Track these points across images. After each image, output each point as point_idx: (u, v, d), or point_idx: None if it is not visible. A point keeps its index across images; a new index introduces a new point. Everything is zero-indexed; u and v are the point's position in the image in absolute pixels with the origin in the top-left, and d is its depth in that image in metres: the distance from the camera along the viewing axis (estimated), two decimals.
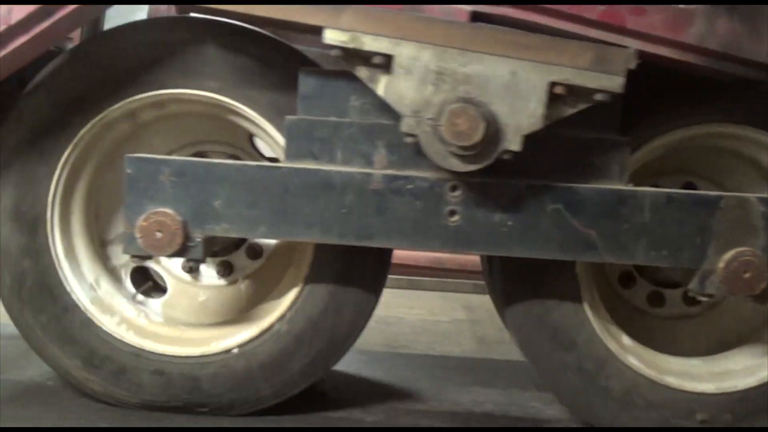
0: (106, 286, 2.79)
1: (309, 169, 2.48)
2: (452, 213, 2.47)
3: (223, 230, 2.51)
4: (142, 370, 2.68)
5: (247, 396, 2.71)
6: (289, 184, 2.47)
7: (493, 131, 2.29)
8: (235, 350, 2.69)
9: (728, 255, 2.44)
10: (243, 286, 3.00)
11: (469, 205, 2.46)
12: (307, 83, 2.53)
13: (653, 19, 2.28)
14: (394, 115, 2.44)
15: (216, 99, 2.64)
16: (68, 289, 2.69)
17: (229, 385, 2.69)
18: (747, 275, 2.43)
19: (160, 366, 2.68)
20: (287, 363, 2.69)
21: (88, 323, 2.69)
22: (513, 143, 2.32)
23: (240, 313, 2.93)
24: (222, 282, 2.99)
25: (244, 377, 2.68)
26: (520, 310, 2.71)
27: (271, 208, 2.46)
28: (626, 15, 2.28)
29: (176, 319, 2.90)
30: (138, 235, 2.45)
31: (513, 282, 2.73)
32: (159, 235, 2.43)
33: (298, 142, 2.52)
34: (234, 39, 2.62)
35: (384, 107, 2.46)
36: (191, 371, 2.68)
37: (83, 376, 2.70)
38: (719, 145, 2.74)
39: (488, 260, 3.08)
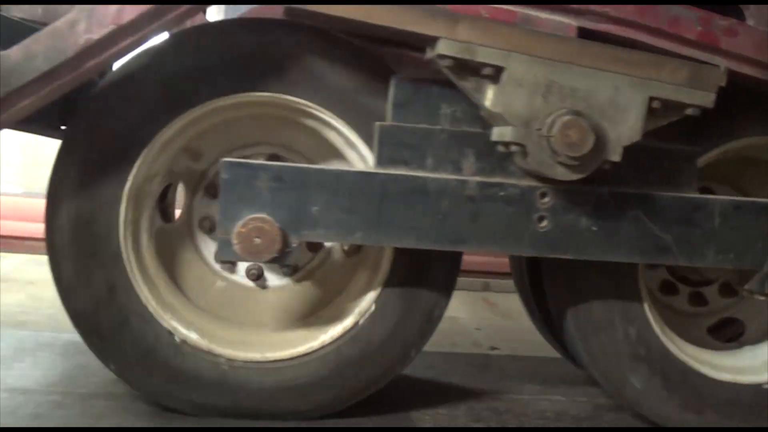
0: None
1: (406, 176, 2.51)
2: (541, 218, 2.56)
3: (320, 236, 2.51)
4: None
5: (326, 397, 2.71)
6: (386, 190, 2.49)
7: (599, 142, 2.39)
8: (318, 352, 2.69)
9: None
10: (305, 287, 2.98)
11: (557, 211, 2.56)
12: (399, 91, 2.55)
13: (744, 41, 2.44)
14: (483, 124, 2.51)
15: (293, 101, 2.60)
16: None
17: (311, 387, 2.68)
18: None
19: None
20: (365, 364, 2.71)
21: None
22: (614, 154, 2.43)
23: (302, 316, 2.91)
24: (285, 283, 2.96)
25: (326, 378, 2.68)
26: (583, 316, 2.82)
27: (367, 213, 2.47)
28: (720, 36, 2.43)
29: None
30: (235, 241, 2.40)
31: (572, 289, 2.84)
32: (258, 241, 2.39)
33: (390, 148, 2.54)
34: (323, 44, 2.59)
35: (473, 116, 2.53)
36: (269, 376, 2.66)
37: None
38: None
39: (532, 267, 3.20)
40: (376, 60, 2.66)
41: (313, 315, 2.90)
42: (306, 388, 2.67)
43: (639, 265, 2.78)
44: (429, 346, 2.83)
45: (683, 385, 2.85)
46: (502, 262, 5.90)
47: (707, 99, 2.44)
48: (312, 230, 2.48)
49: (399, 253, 2.68)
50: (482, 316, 5.20)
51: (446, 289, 2.79)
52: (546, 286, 3.05)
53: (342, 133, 2.65)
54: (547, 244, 2.58)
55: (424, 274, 2.73)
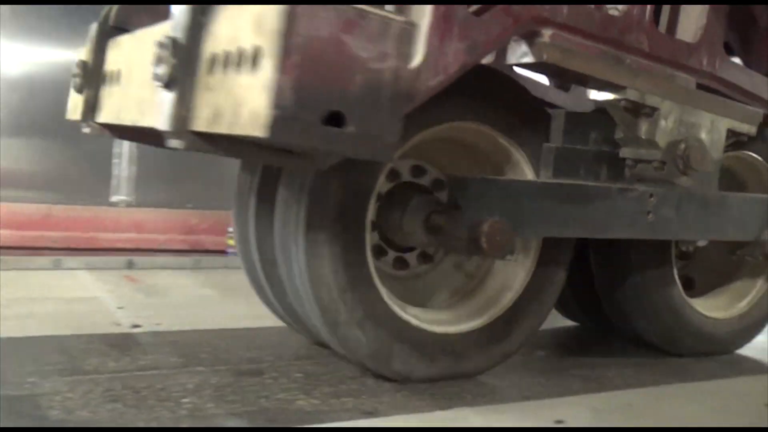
0: None
1: (575, 184, 3.40)
2: (648, 213, 3.61)
3: (531, 233, 3.34)
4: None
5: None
6: (565, 194, 3.34)
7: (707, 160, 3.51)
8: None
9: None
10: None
11: (658, 207, 3.62)
12: (567, 121, 3.41)
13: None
14: (615, 145, 3.49)
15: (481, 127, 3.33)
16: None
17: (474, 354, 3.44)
18: None
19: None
20: (510, 337, 3.53)
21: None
22: (711, 167, 3.57)
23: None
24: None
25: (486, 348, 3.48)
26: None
27: (553, 212, 3.31)
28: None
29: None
30: (483, 240, 3.07)
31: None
32: (498, 239, 3.10)
33: (560, 163, 3.40)
34: (503, 82, 3.36)
35: (607, 139, 3.49)
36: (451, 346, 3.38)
37: None
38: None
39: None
40: (535, 98, 3.50)
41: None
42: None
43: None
44: (66, 330, 3.39)
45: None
46: (147, 239, 6.41)
47: (752, 130, 3.70)
48: (526, 228, 3.26)
49: (546, 242, 3.54)
50: (124, 294, 4.96)
51: (566, 267, 3.70)
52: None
53: (510, 153, 3.42)
54: (652, 231, 3.63)
55: (558, 258, 3.63)
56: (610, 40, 3.16)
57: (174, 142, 2.26)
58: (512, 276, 3.58)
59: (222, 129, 2.06)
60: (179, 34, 2.21)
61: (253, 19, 2.00)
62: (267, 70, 1.91)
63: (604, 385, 3.50)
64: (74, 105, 3.44)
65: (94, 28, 3.36)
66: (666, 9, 3.58)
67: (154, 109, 2.37)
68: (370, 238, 3.16)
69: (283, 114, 1.90)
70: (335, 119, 2.01)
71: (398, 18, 2.15)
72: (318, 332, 3.33)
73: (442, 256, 3.75)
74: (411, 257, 3.66)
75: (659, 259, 3.98)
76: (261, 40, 1.95)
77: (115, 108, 3.04)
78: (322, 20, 1.97)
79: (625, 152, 3.46)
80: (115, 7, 3.35)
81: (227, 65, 2.08)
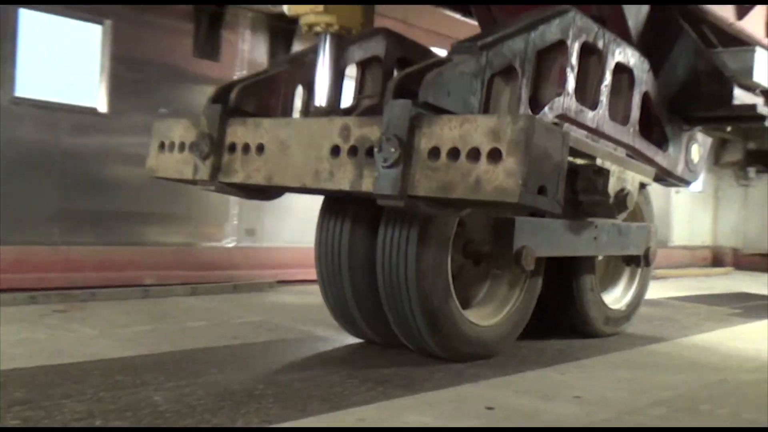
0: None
1: (563, 222, 4.99)
2: (595, 237, 5.37)
3: None
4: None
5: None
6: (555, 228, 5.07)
7: None
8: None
9: None
10: None
11: (600, 233, 5.39)
12: None
13: None
14: (575, 193, 4.93)
15: None
16: None
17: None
18: None
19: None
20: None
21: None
22: (633, 206, 5.15)
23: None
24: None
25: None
26: None
27: None
28: None
29: None
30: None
31: None
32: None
33: None
34: None
35: (573, 189, 4.90)
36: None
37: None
38: None
39: None
40: None
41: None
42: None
43: None
44: None
45: None
46: None
47: (650, 181, 5.40)
48: (541, 250, 4.95)
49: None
50: None
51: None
52: None
53: None
54: (596, 249, 5.48)
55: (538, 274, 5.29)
56: (592, 129, 4.44)
57: (390, 202, 3.61)
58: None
59: (456, 195, 3.38)
60: (399, 134, 3.49)
61: (489, 129, 3.32)
62: (511, 163, 3.26)
63: (339, 404, 3.78)
64: (186, 167, 4.52)
65: (216, 108, 4.32)
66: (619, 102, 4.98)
67: (344, 177, 3.77)
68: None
69: (525, 188, 3.25)
70: (542, 190, 3.37)
71: (565, 130, 3.76)
72: (416, 337, 4.73)
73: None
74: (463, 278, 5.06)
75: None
76: (500, 145, 3.28)
77: (261, 172, 4.16)
78: (537, 133, 3.30)
79: (583, 197, 4.78)
80: (233, 93, 4.38)
81: (456, 157, 3.39)
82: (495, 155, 3.29)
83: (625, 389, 4.42)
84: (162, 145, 4.79)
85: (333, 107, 4.57)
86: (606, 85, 4.73)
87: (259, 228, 8.83)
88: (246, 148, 4.23)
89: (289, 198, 9.00)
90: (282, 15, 8.66)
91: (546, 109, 4.27)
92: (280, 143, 4.07)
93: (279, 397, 3.83)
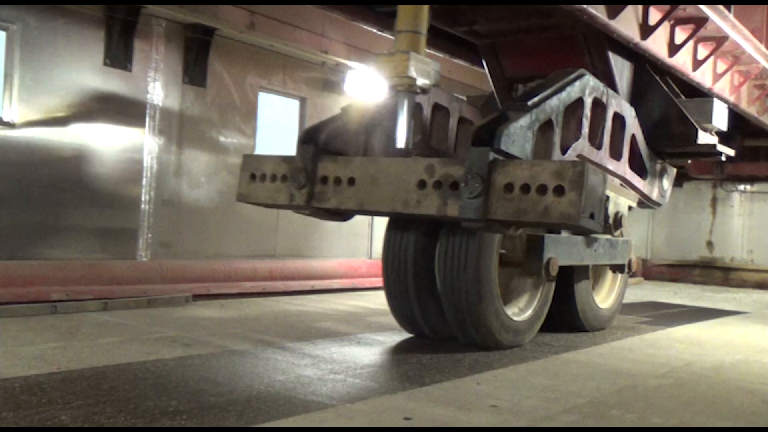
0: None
1: (578, 237, 6.11)
2: (596, 249, 6.35)
3: None
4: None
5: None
6: (572, 243, 6.17)
7: None
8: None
9: None
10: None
11: (599, 246, 6.44)
12: None
13: None
14: None
15: None
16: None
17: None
18: None
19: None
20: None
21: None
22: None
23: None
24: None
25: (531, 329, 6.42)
26: None
27: None
28: None
29: None
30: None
31: None
32: None
33: None
34: None
35: None
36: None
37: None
38: None
39: None
40: None
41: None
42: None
43: None
44: None
45: None
46: None
47: (634, 204, 6.81)
48: (563, 260, 6.06)
49: None
50: None
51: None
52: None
53: None
54: (596, 258, 6.56)
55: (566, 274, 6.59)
56: (598, 165, 5.77)
57: (472, 224, 4.94)
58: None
59: (527, 219, 4.68)
60: (480, 173, 4.77)
61: (554, 171, 4.60)
62: (573, 196, 4.53)
63: (255, 419, 3.93)
64: (280, 194, 5.67)
65: (309, 148, 5.51)
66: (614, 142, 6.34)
67: (431, 204, 5.04)
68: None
69: (583, 215, 4.51)
70: (592, 215, 4.62)
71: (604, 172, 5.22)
72: (468, 330, 5.89)
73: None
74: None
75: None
76: (563, 183, 4.56)
77: (353, 200, 5.35)
78: (589, 175, 4.58)
79: None
80: (322, 135, 5.56)
81: (527, 191, 4.65)
82: (559, 190, 4.59)
83: (540, 397, 4.50)
84: (253, 176, 5.85)
85: (409, 149, 5.67)
86: (606, 130, 6.17)
87: (176, 241, 8.65)
88: (337, 180, 5.41)
89: (206, 212, 8.87)
90: (197, 25, 8.55)
91: (570, 150, 5.62)
92: (370, 177, 5.27)
93: (193, 413, 3.74)
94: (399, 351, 5.83)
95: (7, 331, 5.65)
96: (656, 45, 6.94)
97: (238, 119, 9.35)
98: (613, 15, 6.11)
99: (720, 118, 7.24)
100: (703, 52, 7.78)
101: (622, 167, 6.42)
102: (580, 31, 6.52)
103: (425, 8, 5.52)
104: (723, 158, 7.59)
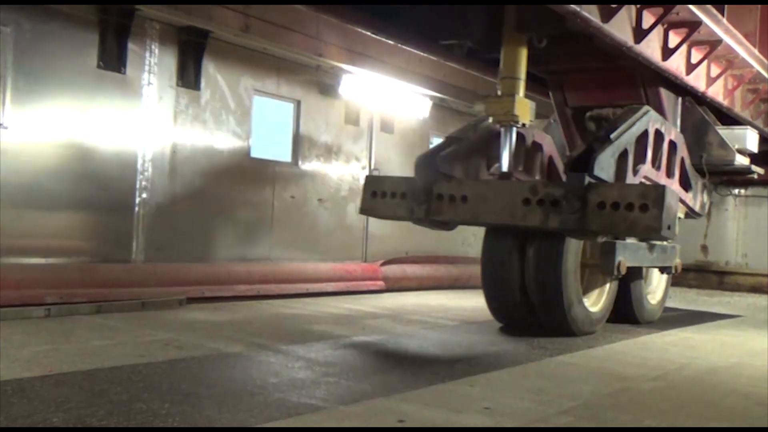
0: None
1: (641, 243, 7.49)
2: (652, 251, 7.35)
3: None
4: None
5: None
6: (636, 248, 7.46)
7: None
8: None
9: None
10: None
11: (653, 251, 7.61)
12: None
13: None
14: None
15: None
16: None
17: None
18: None
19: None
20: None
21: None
22: None
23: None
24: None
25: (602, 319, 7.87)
26: None
27: None
28: None
29: None
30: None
31: None
32: None
33: None
34: None
35: None
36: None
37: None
38: None
39: None
40: None
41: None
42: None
43: None
44: None
45: None
46: None
47: (681, 215, 7.19)
48: (630, 262, 7.22)
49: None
50: None
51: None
52: None
53: None
54: (652, 261, 7.91)
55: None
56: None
57: (573, 234, 6.41)
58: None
59: (618, 230, 6.09)
60: (578, 194, 5.94)
61: (640, 193, 5.82)
62: (655, 214, 5.71)
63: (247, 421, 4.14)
64: (400, 209, 6.84)
65: (427, 172, 6.79)
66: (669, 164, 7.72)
67: (535, 218, 6.16)
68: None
69: (663, 227, 5.71)
70: (669, 227, 5.77)
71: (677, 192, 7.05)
72: (556, 320, 7.21)
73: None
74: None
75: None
76: (647, 202, 5.74)
77: (465, 214, 6.58)
78: (667, 195, 5.78)
79: None
80: (438, 161, 6.88)
81: (618, 207, 5.82)
82: (644, 207, 5.77)
83: (534, 399, 4.49)
84: (374, 194, 7.02)
85: (511, 172, 7.05)
86: (664, 155, 7.45)
87: (169, 245, 8.63)
88: (452, 197, 6.60)
89: (201, 215, 8.85)
90: (191, 28, 8.54)
91: (639, 174, 6.84)
92: (481, 195, 6.50)
93: (185, 415, 3.73)
94: (394, 354, 5.81)
95: (0, 335, 5.63)
96: (649, 49, 6.95)
97: (232, 122, 9.33)
98: (606, 18, 6.11)
99: (752, 143, 8.54)
100: (696, 56, 7.80)
101: (675, 185, 7.69)
102: (639, 71, 7.62)
103: (524, 58, 6.89)
104: (755, 176, 9.02)
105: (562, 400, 4.50)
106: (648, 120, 6.97)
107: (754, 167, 8.74)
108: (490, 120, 7.05)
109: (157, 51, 8.44)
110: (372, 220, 11.40)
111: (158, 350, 5.39)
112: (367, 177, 7.39)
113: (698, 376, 5.58)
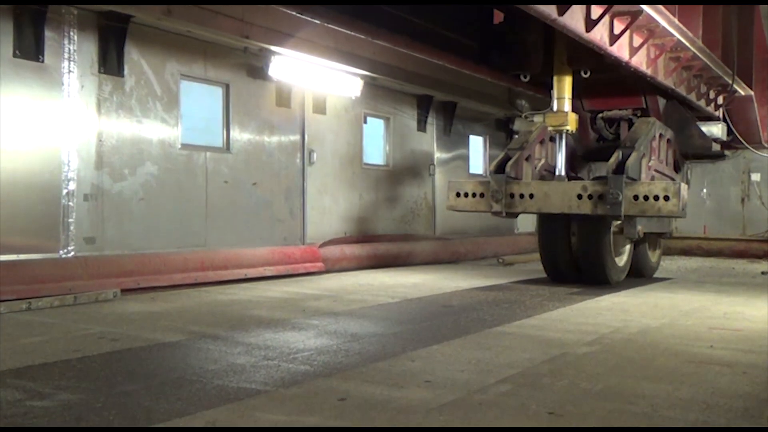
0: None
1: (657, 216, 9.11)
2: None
3: None
4: None
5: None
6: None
7: None
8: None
9: None
10: None
11: (654, 220, 9.48)
12: None
13: None
14: None
15: None
16: None
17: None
18: None
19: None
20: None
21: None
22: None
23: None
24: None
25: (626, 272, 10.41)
26: None
27: None
28: None
29: None
30: None
31: None
32: None
33: None
34: None
35: None
36: None
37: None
38: None
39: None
40: None
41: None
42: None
43: None
44: None
45: None
46: None
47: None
48: (648, 229, 9.68)
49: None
50: None
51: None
52: None
53: None
54: (661, 227, 10.31)
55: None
56: (660, 172, 9.70)
57: (615, 218, 8.90)
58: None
59: (648, 214, 8.57)
60: (618, 190, 8.41)
61: (663, 188, 8.40)
62: (675, 202, 8.29)
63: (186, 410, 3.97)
64: (480, 205, 9.41)
65: (501, 176, 9.13)
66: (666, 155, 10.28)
67: (586, 207, 8.76)
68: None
69: (681, 210, 8.33)
70: (683, 210, 8.40)
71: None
72: (596, 275, 9.66)
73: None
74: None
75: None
76: (669, 194, 8.33)
77: (533, 207, 9.11)
78: (682, 189, 8.33)
79: None
80: (508, 167, 9.16)
81: (647, 198, 8.41)
82: (666, 198, 8.27)
83: (473, 370, 4.55)
84: (458, 194, 9.57)
85: (567, 174, 9.85)
86: (662, 149, 9.97)
87: (99, 236, 8.42)
88: (522, 195, 9.08)
89: (131, 205, 8.66)
90: (111, 12, 8.30)
91: (652, 168, 9.31)
92: (544, 193, 8.95)
93: (123, 407, 3.65)
94: (335, 334, 5.80)
95: None
96: (573, 20, 7.04)
97: (160, 108, 9.11)
98: None
99: (723, 133, 11.33)
100: (619, 27, 7.93)
101: (670, 170, 10.29)
102: (640, 82, 9.67)
103: (569, 83, 9.58)
104: (725, 159, 13.17)
105: (501, 369, 4.57)
106: (655, 128, 9.55)
107: (726, 152, 11.99)
108: (548, 128, 9.68)
109: (76, 37, 8.17)
110: (309, 203, 11.35)
111: (92, 344, 5.26)
112: (450, 182, 9.89)
113: (631, 338, 5.73)
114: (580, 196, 8.66)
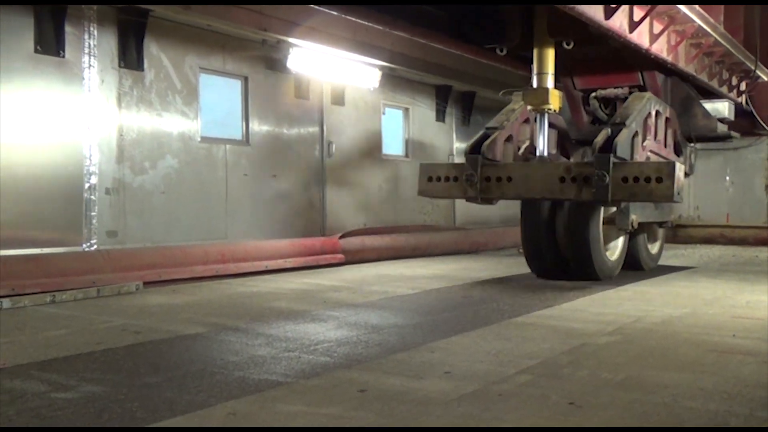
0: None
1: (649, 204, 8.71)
2: (656, 209, 9.16)
3: None
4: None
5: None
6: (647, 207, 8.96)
7: None
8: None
9: None
10: None
11: (648, 207, 8.96)
12: None
13: None
14: None
15: None
16: None
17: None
18: None
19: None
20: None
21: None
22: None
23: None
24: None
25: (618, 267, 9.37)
26: None
27: None
28: None
29: None
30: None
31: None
32: None
33: None
34: None
35: None
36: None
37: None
38: None
39: None
40: None
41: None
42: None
43: None
44: None
45: None
46: None
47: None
48: (642, 219, 8.85)
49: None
50: None
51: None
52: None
53: None
54: (656, 216, 9.48)
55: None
56: (657, 154, 8.77)
57: (602, 203, 7.79)
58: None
59: (639, 199, 7.60)
60: (605, 171, 7.32)
61: (655, 168, 7.31)
62: (669, 184, 7.16)
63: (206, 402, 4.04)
64: (454, 190, 8.29)
65: (476, 157, 8.08)
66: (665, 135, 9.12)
67: (570, 192, 7.68)
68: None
69: (675, 194, 7.20)
70: (679, 193, 7.30)
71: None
72: (584, 268, 8.65)
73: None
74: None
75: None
76: (662, 175, 7.20)
77: (511, 192, 7.97)
78: (676, 169, 7.22)
79: None
80: (483, 148, 8.16)
81: (638, 180, 7.30)
82: (659, 180, 7.20)
83: (493, 361, 4.55)
84: (429, 178, 8.45)
85: (549, 155, 8.50)
86: (660, 129, 8.91)
87: (121, 230, 8.50)
88: (499, 178, 8.02)
89: (152, 198, 8.73)
90: (130, 7, 8.36)
91: (646, 148, 8.34)
92: (524, 175, 7.95)
93: (146, 399, 3.70)
94: (355, 326, 5.82)
95: None
96: (591, 9, 6.98)
97: (179, 101, 9.18)
98: None
99: (730, 112, 10.01)
100: (638, 14, 7.85)
101: (669, 152, 9.15)
102: (635, 56, 8.48)
103: (551, 57, 8.18)
104: (732, 141, 10.53)
105: (520, 360, 4.56)
106: (650, 104, 8.47)
107: (733, 133, 10.10)
108: (528, 108, 8.41)
109: (95, 32, 8.24)
110: (329, 195, 11.37)
111: (115, 337, 5.32)
112: (421, 165, 8.69)
113: (653, 328, 5.70)
114: (563, 179, 7.62)
